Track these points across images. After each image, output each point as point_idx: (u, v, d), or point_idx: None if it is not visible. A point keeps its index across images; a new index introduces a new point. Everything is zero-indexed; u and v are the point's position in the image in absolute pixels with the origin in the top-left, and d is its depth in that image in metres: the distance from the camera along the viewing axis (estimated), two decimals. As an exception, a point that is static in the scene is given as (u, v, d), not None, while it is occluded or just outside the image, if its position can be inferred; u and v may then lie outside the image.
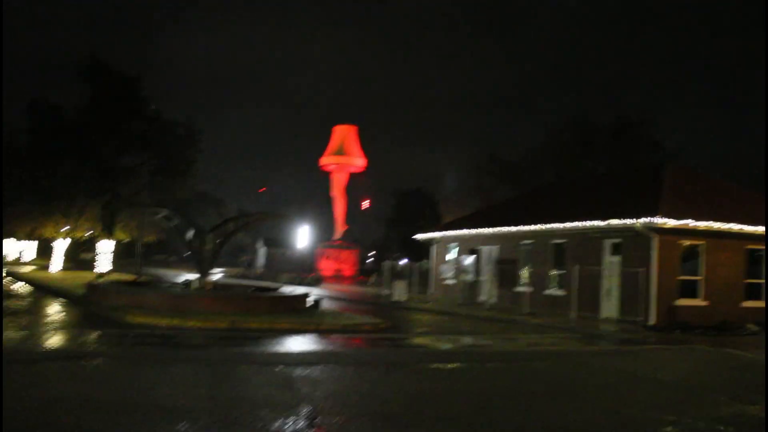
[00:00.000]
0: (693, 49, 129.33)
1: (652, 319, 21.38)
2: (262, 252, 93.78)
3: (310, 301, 22.12)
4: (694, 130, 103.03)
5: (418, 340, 16.56)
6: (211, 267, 22.85)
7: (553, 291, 26.38)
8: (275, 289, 25.76)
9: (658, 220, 20.95)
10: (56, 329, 14.75)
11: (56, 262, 42.56)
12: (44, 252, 55.95)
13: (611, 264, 23.87)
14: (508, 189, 53.43)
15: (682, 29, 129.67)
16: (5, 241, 39.89)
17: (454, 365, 12.29)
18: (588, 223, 24.02)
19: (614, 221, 22.58)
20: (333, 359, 12.15)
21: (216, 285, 23.00)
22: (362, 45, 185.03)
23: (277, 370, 10.48)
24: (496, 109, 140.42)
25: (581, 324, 21.93)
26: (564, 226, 25.44)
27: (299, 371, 10.38)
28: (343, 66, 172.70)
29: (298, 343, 14.45)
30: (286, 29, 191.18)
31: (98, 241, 37.26)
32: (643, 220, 21.30)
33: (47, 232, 38.45)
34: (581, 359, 14.07)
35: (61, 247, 42.44)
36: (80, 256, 48.13)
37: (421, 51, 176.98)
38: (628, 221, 21.91)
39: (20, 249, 62.59)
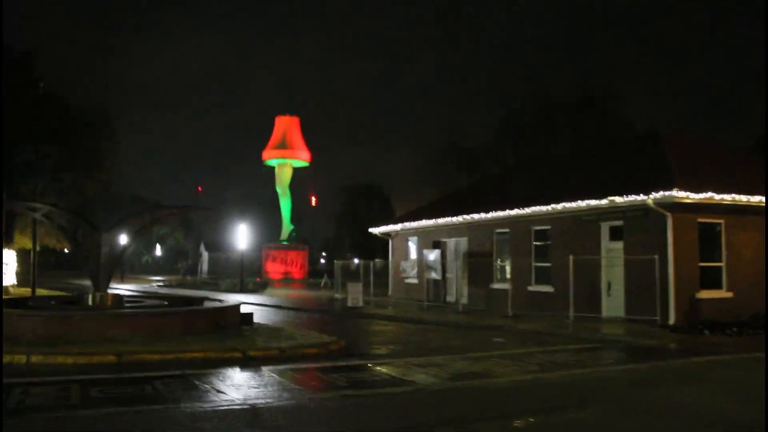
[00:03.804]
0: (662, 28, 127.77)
1: (672, 318, 17.21)
2: (204, 257, 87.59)
3: (246, 312, 17.39)
4: (662, 108, 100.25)
5: (385, 370, 11.79)
6: (111, 275, 17.65)
7: (539, 287, 22.04)
8: (202, 300, 20.64)
9: (678, 194, 16.74)
10: None
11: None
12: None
13: (611, 252, 19.66)
14: (466, 177, 49.41)
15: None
16: None
17: None
18: (581, 204, 19.74)
19: (617, 199, 18.33)
20: None
21: (119, 298, 17.79)
22: (308, 42, 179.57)
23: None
24: (451, 99, 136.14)
25: (582, 328, 17.63)
26: (549, 209, 21.13)
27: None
28: (289, 61, 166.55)
29: (205, 390, 9.55)
30: (234, 30, 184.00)
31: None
32: (656, 195, 17.06)
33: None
34: (639, 395, 9.61)
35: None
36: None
37: (367, 46, 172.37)
38: (636, 198, 17.66)
39: None
